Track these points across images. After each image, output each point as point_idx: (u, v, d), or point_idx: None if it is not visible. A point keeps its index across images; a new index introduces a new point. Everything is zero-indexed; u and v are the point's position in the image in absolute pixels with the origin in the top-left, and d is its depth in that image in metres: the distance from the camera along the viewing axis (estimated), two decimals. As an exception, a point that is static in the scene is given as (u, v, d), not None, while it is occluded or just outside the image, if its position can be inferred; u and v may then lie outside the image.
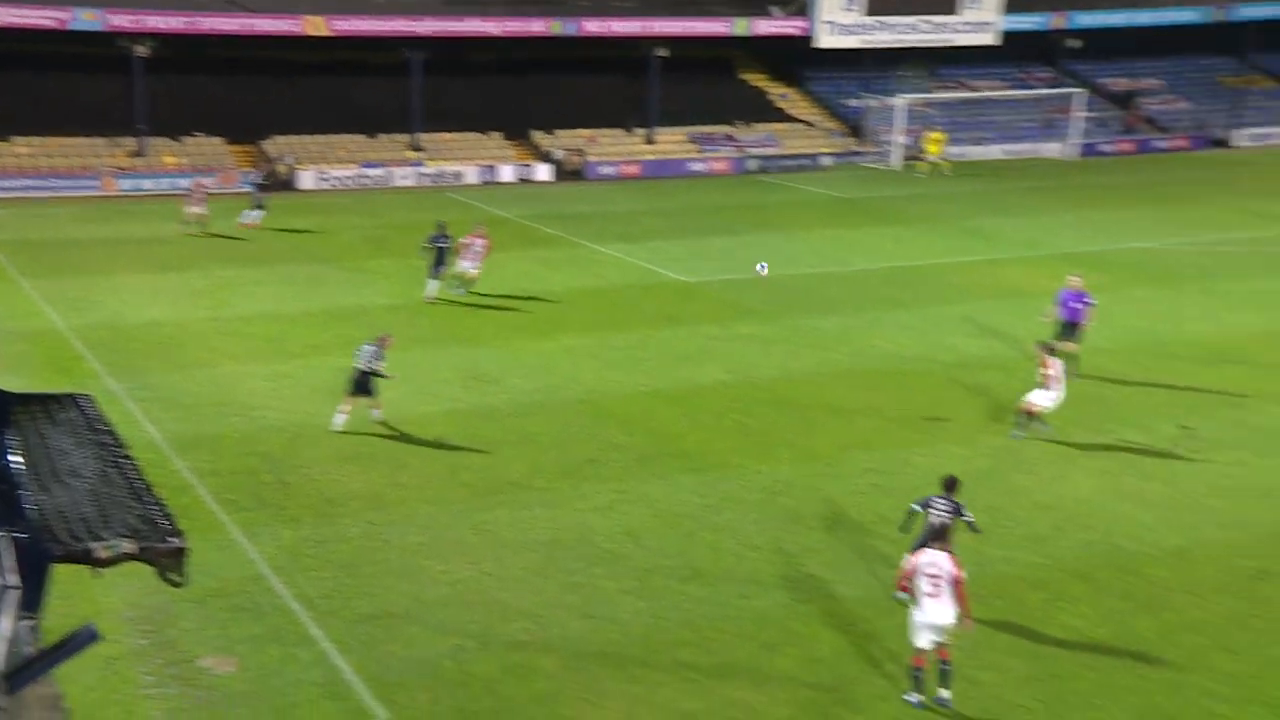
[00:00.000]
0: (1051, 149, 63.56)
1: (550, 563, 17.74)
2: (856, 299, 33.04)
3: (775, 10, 62.28)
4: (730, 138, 61.84)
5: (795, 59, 66.04)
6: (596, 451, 21.98)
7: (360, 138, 57.58)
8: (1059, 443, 21.96)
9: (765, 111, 64.67)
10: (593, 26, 58.74)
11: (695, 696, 14.31)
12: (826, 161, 61.02)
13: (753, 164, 59.83)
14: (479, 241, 33.46)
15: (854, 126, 64.42)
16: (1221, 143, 67.12)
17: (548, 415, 24.05)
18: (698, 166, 59.26)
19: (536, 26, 58.05)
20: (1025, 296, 32.48)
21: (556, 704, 14.22)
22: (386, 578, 17.38)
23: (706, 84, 64.92)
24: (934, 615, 13.72)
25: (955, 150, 63.10)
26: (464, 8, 58.47)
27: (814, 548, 17.99)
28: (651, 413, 23.90)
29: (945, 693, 13.91)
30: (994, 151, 63.53)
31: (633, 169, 58.46)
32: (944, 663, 13.93)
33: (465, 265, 33.31)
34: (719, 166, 59.49)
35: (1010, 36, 64.56)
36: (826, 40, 61.48)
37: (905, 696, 14.05)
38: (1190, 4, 68.54)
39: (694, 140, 61.45)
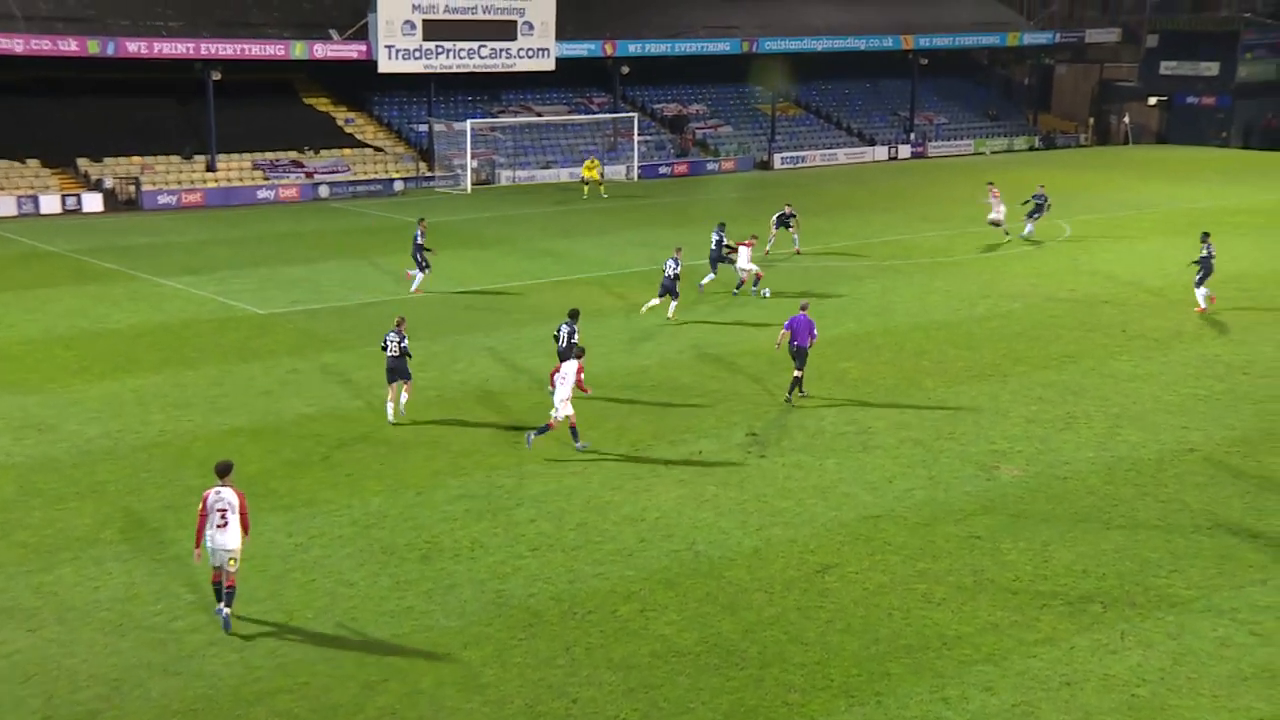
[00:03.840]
0: (615, 171, 66.28)
1: (126, 620, 16.60)
2: (436, 324, 33.04)
3: (334, 33, 61.38)
4: (298, 164, 60.44)
5: (360, 83, 65.50)
6: (174, 497, 20.82)
7: None
8: (642, 459, 22.83)
9: (333, 136, 63.74)
10: (135, 47, 55.18)
11: (296, 746, 13.79)
12: (399, 186, 60.89)
13: (324, 190, 58.82)
14: (745, 246, 35.86)
15: (424, 150, 64.59)
16: (764, 165, 72.43)
17: (116, 462, 22.54)
18: (265, 194, 57.54)
19: (70, 46, 53.86)
20: (599, 316, 33.62)
21: (144, 773, 13.31)
22: (-65, 656, 15.68)
23: (268, 108, 63.21)
24: (223, 542, 16.11)
25: (524, 174, 64.58)
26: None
27: (411, 579, 17.80)
28: (233, 452, 22.86)
29: (227, 610, 16.32)
30: (561, 175, 65.52)
31: (194, 197, 55.97)
32: (230, 587, 16.33)
33: (745, 267, 35.78)
34: (288, 194, 58.03)
35: (566, 63, 66.82)
36: (388, 65, 61.24)
37: (216, 611, 16.39)
38: (723, 36, 73.56)
39: (259, 167, 59.59)
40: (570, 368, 22.81)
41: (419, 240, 36.56)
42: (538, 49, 65.16)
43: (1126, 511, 20.46)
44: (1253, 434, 24.42)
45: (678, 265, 32.94)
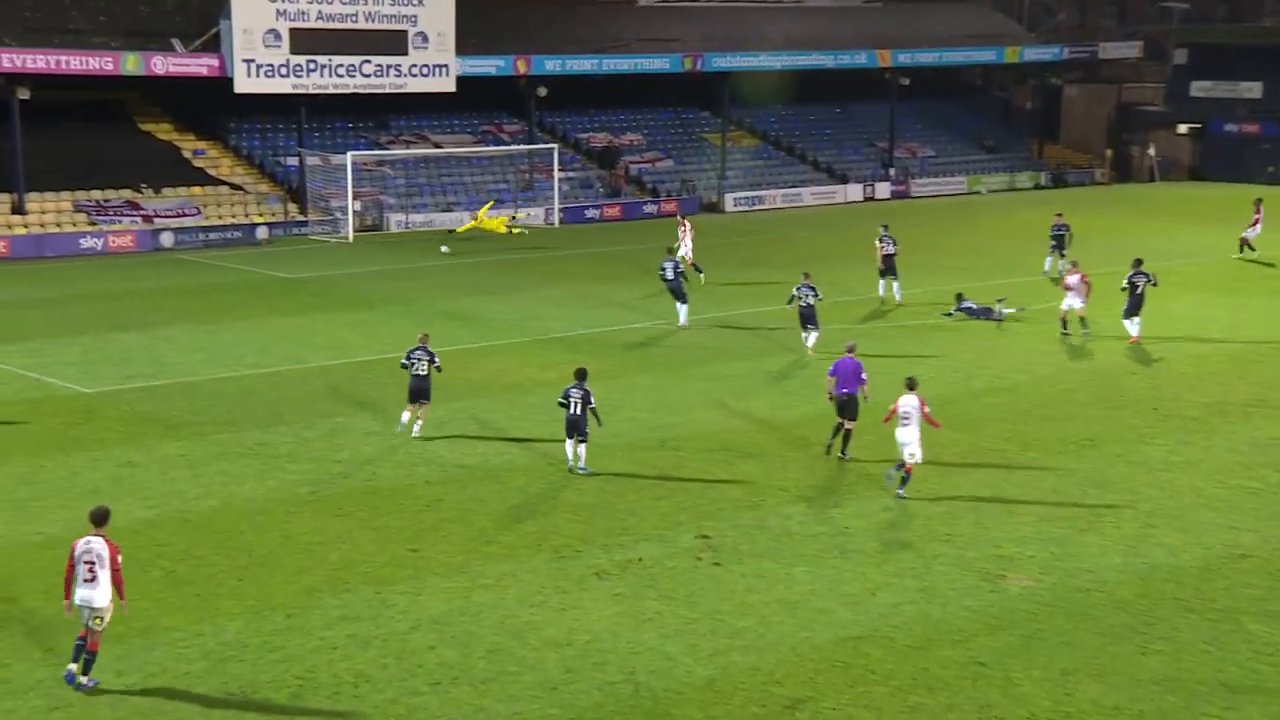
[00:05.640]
0: (534, 214, 66.50)
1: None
2: (313, 404, 32.86)
3: (177, 44, 61.28)
4: (134, 205, 60.14)
5: (212, 105, 65.48)
6: (-28, 626, 20.37)
7: None
8: (569, 568, 22.73)
9: (179, 171, 63.55)
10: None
11: None
12: (263, 233, 60.80)
13: (167, 238, 58.63)
14: (1074, 278, 39.81)
15: (294, 189, 64.53)
16: (714, 207, 73.08)
17: (-100, 581, 22.07)
18: (91, 243, 57.19)
19: None
20: (517, 391, 33.57)
21: None
22: None
23: (94, 135, 62.80)
24: (89, 598, 17.73)
25: (419, 219, 64.77)
26: None
27: (277, 725, 17.54)
28: (46, 571, 22.44)
29: (85, 678, 17.76)
30: (466, 219, 65.71)
31: (-3, 247, 55.52)
32: (91, 651, 17.79)
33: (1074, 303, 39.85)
34: (121, 243, 57.73)
35: (470, 83, 67.20)
36: (247, 84, 61.18)
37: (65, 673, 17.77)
38: (661, 51, 74.44)
39: (83, 209, 59.21)
40: (911, 403, 25.24)
41: None
42: (435, 66, 65.55)
43: (1166, 632, 20.60)
44: (1315, 533, 24.76)
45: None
